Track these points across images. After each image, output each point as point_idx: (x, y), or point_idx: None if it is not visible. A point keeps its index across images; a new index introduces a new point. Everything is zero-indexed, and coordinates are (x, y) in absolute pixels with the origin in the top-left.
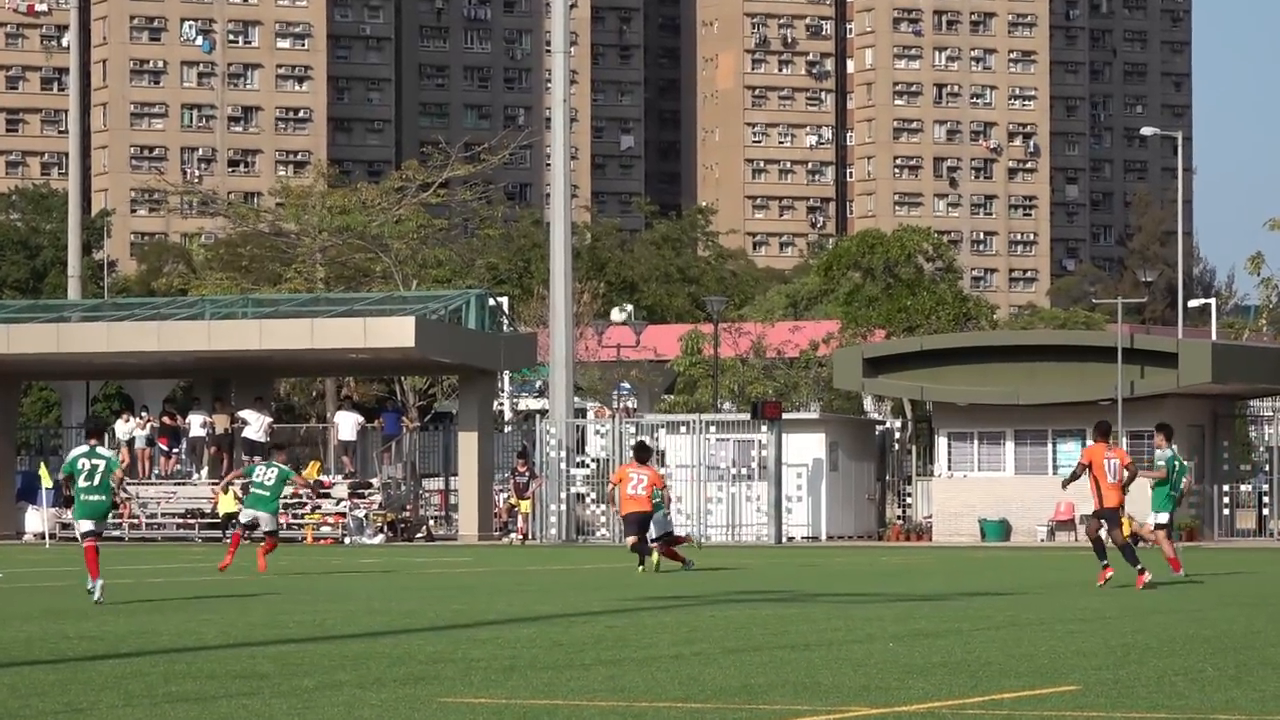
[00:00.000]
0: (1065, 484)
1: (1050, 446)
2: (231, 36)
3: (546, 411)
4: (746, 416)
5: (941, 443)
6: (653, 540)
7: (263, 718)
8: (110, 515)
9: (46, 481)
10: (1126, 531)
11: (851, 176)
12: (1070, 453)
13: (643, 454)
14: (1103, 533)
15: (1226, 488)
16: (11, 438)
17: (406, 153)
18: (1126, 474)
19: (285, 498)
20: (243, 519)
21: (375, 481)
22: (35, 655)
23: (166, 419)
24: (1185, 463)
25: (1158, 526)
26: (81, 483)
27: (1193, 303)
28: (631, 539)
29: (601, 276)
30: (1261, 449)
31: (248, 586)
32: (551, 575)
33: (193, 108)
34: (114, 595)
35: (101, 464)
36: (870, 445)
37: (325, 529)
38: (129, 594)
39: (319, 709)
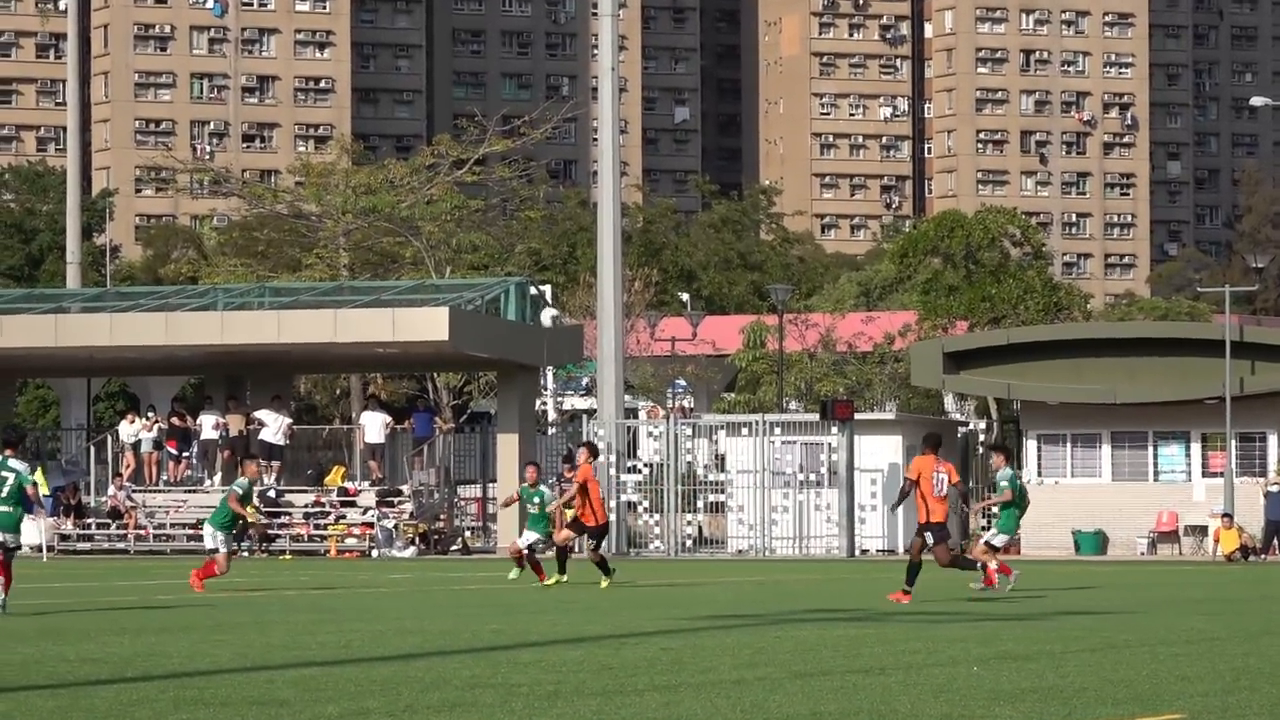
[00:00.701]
0: (894, 507)
1: (1151, 450)
2: None
3: (594, 411)
4: (815, 417)
5: (1031, 446)
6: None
7: None
8: (20, 526)
9: (44, 488)
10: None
11: (930, 152)
12: (1173, 456)
13: (597, 453)
14: (984, 548)
15: None
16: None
17: (439, 126)
18: (954, 491)
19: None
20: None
21: (405, 489)
22: (32, 679)
23: (175, 420)
24: (1022, 481)
25: (989, 546)
26: None
27: None
28: (594, 553)
29: (655, 263)
30: None
31: (266, 605)
32: (600, 592)
33: (203, 77)
34: (119, 614)
35: (11, 476)
36: (951, 449)
37: (351, 541)
38: (135, 613)
39: None
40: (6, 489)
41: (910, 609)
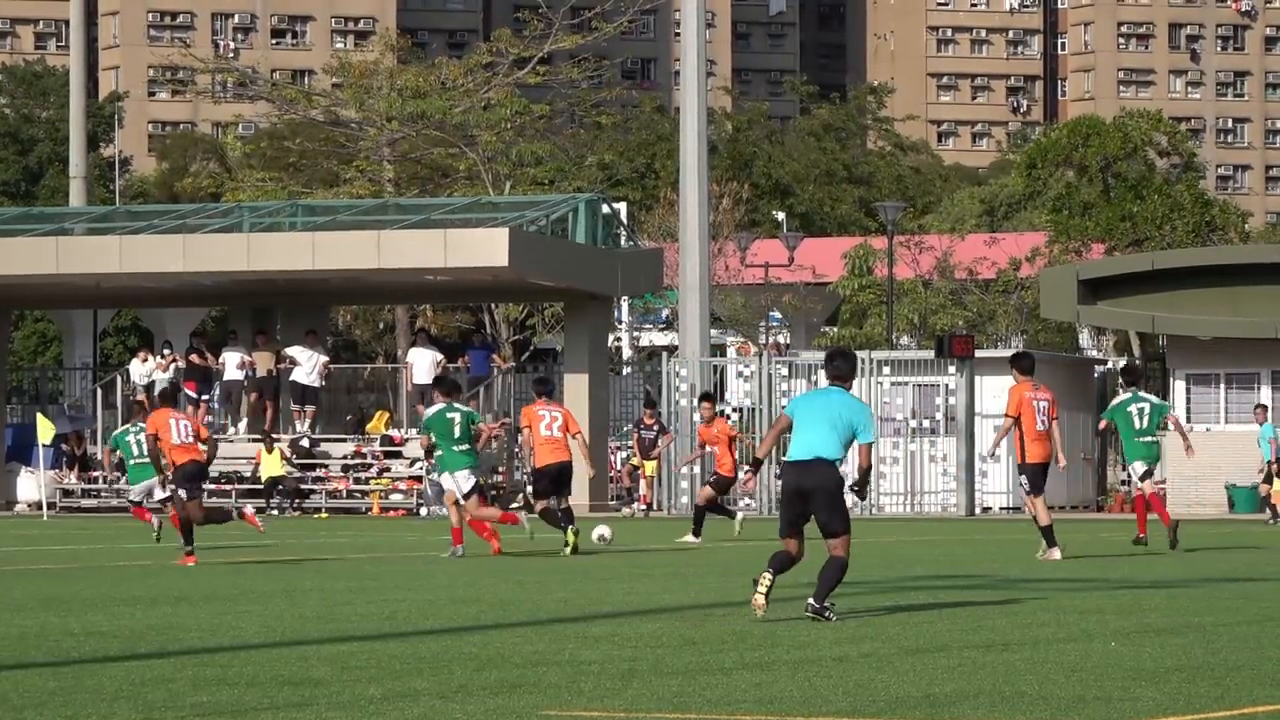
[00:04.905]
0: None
1: None
2: None
3: (676, 348)
4: (930, 354)
5: (1179, 388)
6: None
7: None
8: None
9: (45, 436)
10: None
11: (1064, 49)
12: None
13: (547, 387)
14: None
15: None
16: (1, 381)
17: (497, 20)
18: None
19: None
20: None
21: None
22: (31, 656)
23: (195, 358)
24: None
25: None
26: None
27: None
28: (542, 503)
29: (746, 177)
30: None
31: (299, 571)
32: (683, 556)
33: None
34: (130, 580)
35: None
36: (1087, 391)
37: (396, 497)
38: (148, 579)
39: None
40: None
41: (1037, 575)
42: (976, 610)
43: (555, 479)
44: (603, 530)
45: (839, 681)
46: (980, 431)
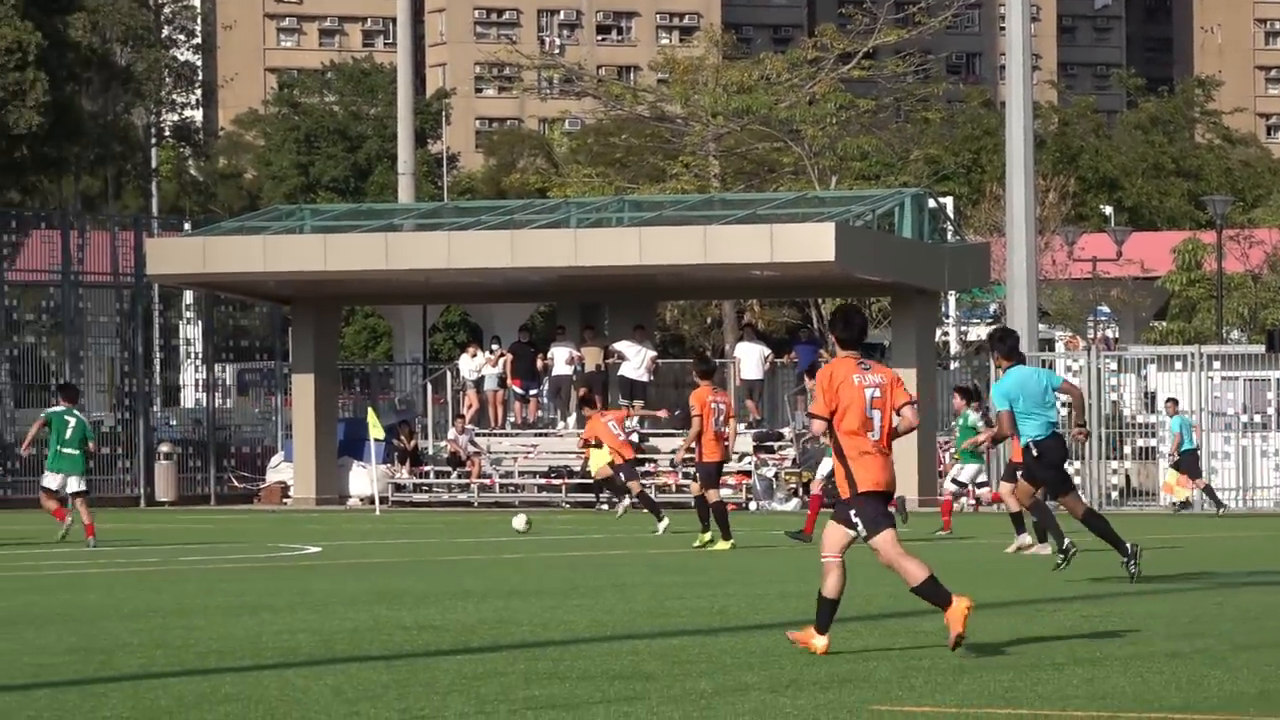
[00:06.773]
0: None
1: None
2: None
3: None
4: (1260, 349)
5: None
6: None
7: None
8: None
9: (376, 431)
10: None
11: None
12: None
13: (709, 367)
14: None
15: None
16: (332, 377)
17: (821, 15)
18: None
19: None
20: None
21: (787, 432)
22: (365, 649)
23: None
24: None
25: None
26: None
27: None
28: (713, 495)
29: (1073, 170)
30: None
31: (628, 565)
32: (1008, 555)
33: None
34: (462, 574)
35: (73, 421)
36: None
37: (725, 491)
38: (480, 573)
39: (719, 718)
40: (70, 432)
41: None
42: None
43: (717, 474)
44: (520, 522)
45: (1171, 677)
46: None
